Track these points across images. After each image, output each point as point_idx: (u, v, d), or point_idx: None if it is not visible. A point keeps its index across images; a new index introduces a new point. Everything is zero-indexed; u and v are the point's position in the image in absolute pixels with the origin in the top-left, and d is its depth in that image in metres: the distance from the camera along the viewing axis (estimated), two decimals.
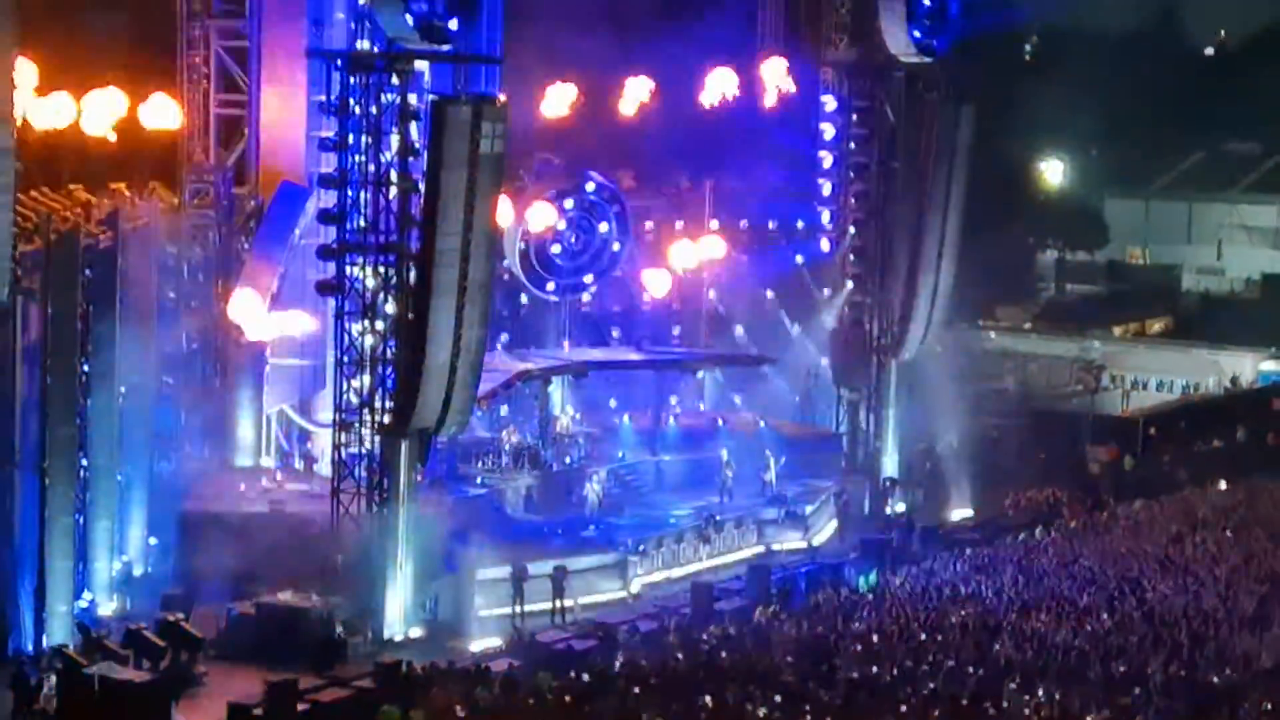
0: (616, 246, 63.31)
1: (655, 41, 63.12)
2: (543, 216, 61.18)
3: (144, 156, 54.93)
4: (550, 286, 62.49)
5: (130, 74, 54.70)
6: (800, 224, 67.25)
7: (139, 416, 50.42)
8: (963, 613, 47.89)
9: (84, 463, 46.71)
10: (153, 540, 50.54)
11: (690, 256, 65.39)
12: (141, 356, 50.56)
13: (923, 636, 45.93)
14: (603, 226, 63.11)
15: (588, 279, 63.24)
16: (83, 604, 46.41)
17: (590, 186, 62.77)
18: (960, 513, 62.81)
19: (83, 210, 49.37)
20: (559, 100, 61.71)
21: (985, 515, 62.16)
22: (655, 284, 64.89)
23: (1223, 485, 65.07)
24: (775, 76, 65.96)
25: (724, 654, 45.13)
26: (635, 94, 63.46)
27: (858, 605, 49.39)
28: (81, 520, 46.71)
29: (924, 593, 50.30)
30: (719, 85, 65.12)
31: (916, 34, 62.40)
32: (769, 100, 65.95)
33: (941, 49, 63.06)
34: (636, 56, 63.85)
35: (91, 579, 47.64)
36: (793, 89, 66.08)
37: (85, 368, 46.43)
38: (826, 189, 66.10)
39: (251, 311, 53.79)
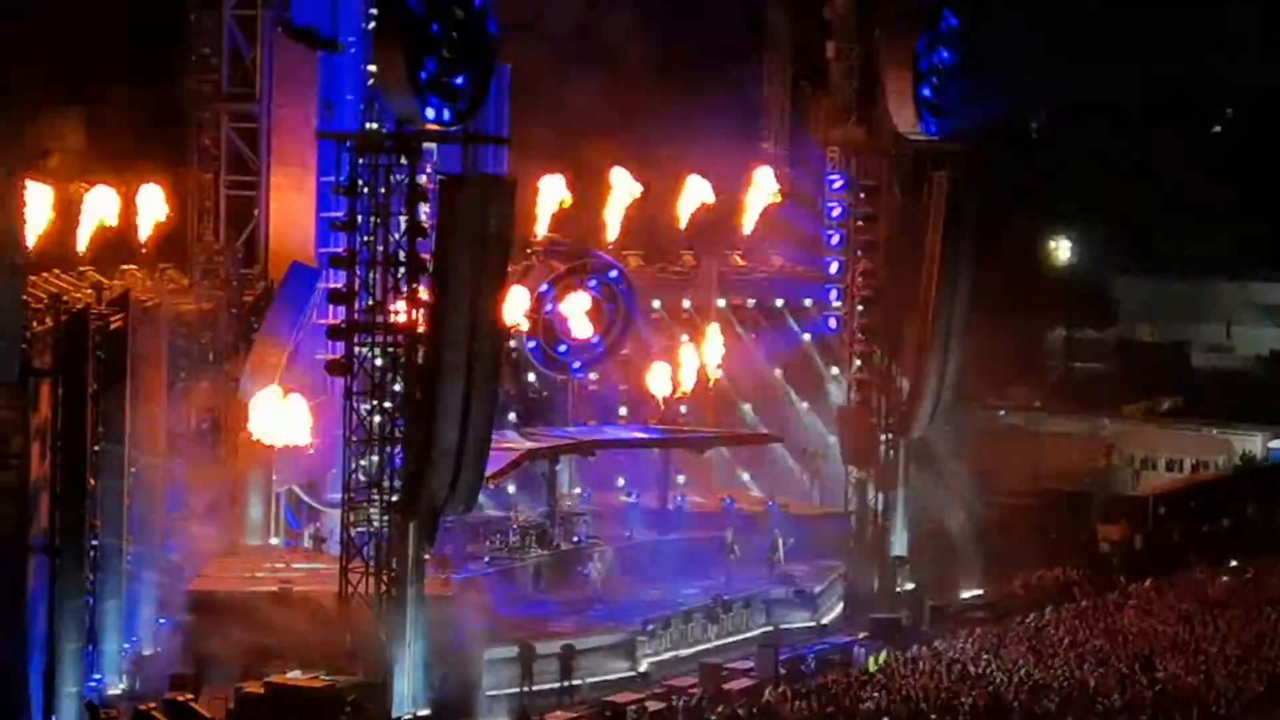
0: (624, 325, 63.46)
1: (661, 120, 63.46)
2: (550, 296, 61.49)
3: (154, 237, 55.10)
4: (558, 365, 62.68)
5: (141, 155, 54.99)
6: (808, 302, 67.37)
7: (148, 497, 50.49)
8: (973, 693, 47.70)
9: (93, 543, 46.69)
10: (162, 620, 50.53)
11: (697, 335, 65.50)
12: (151, 436, 50.67)
13: (932, 717, 45.77)
14: (610, 306, 63.34)
15: (595, 357, 63.39)
16: (92, 685, 46.33)
17: (597, 266, 62.99)
18: (970, 592, 62.64)
19: (94, 291, 49.55)
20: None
21: (995, 594, 61.99)
22: (662, 363, 64.96)
23: (1233, 564, 64.91)
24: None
25: None
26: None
27: (867, 685, 49.25)
28: (91, 601, 46.70)
29: (933, 673, 50.14)
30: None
31: (924, 112, 62.56)
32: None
33: (949, 127, 63.19)
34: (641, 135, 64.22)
35: (100, 659, 47.57)
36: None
37: (95, 448, 46.49)
38: (834, 267, 66.20)
39: (260, 391, 53.89)
